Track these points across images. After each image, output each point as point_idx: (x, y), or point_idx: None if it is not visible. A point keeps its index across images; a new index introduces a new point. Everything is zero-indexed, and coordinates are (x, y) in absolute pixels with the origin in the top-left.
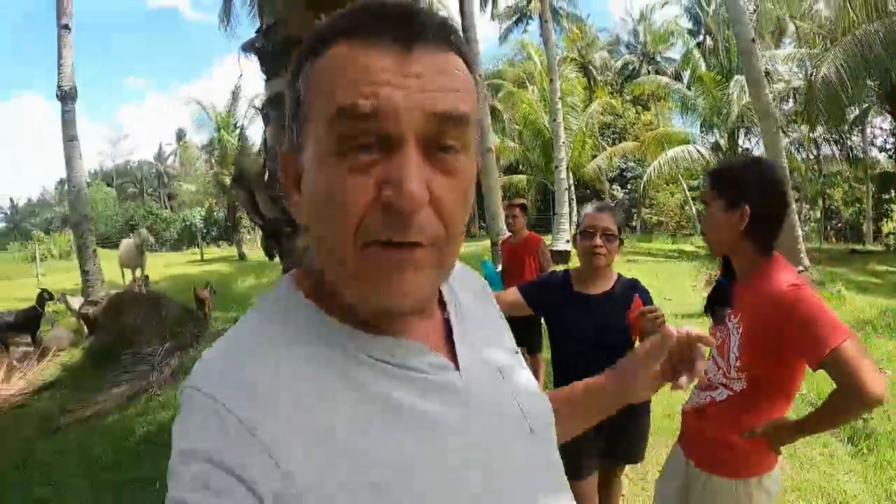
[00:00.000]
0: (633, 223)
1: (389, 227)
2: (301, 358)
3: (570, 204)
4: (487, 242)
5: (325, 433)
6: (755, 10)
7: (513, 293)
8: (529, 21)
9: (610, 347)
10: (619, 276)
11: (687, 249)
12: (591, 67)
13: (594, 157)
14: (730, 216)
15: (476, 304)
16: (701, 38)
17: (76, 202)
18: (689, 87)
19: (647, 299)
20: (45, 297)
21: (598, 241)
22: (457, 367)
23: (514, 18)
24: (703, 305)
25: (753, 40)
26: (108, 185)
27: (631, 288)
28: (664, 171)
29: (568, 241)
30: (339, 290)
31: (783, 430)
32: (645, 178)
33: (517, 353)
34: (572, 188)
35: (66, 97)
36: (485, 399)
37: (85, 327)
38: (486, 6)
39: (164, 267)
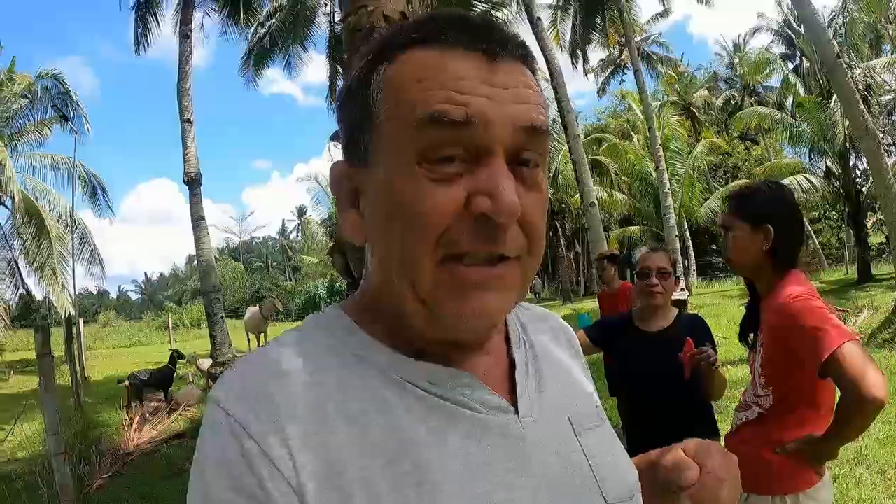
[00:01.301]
0: None
1: (480, 238)
2: (333, 377)
3: (683, 251)
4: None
5: (343, 461)
6: (843, 24)
7: (579, 334)
8: (626, 71)
9: (664, 384)
10: (681, 313)
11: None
12: (693, 108)
13: (706, 200)
14: (754, 237)
15: (554, 348)
16: (797, 60)
17: (205, 275)
18: (792, 115)
19: (703, 337)
20: (176, 356)
21: (654, 279)
22: (516, 412)
23: (609, 71)
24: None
25: (838, 56)
26: (236, 259)
27: (690, 325)
28: None
29: (684, 290)
30: (405, 310)
31: (813, 445)
32: None
33: (601, 413)
34: (687, 234)
35: (192, 182)
36: (548, 454)
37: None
38: (577, 63)
39: None
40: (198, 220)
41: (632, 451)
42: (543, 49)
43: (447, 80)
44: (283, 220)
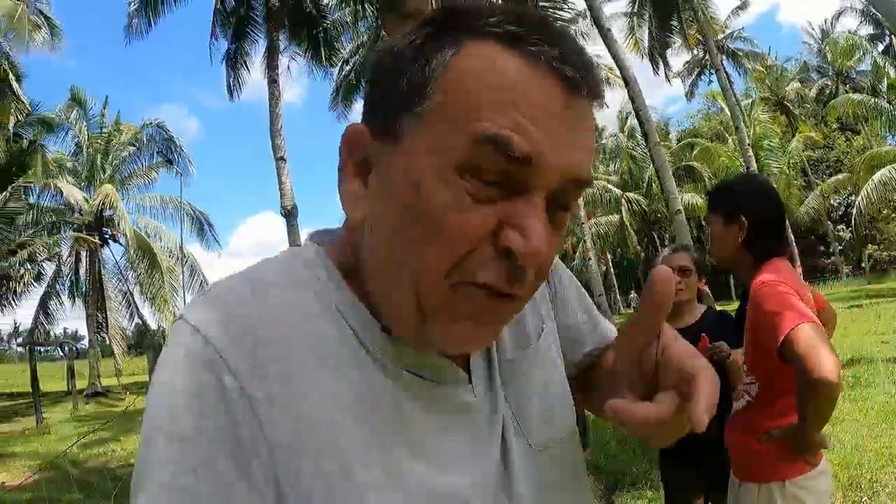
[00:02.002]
0: (863, 264)
1: (500, 272)
2: (318, 324)
3: None
4: None
5: (316, 416)
6: None
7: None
8: (711, 71)
9: None
10: (709, 310)
11: None
12: (786, 103)
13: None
14: (729, 230)
15: None
16: (886, 40)
17: None
18: (889, 101)
19: (727, 333)
20: None
21: (676, 277)
22: (470, 380)
23: (695, 73)
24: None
25: None
26: None
27: (716, 322)
28: (874, 198)
29: None
30: (397, 314)
31: (794, 432)
32: (855, 211)
33: (540, 337)
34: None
35: (289, 214)
36: (486, 412)
37: None
38: (658, 69)
39: None
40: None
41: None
42: (616, 58)
43: (522, 103)
44: None
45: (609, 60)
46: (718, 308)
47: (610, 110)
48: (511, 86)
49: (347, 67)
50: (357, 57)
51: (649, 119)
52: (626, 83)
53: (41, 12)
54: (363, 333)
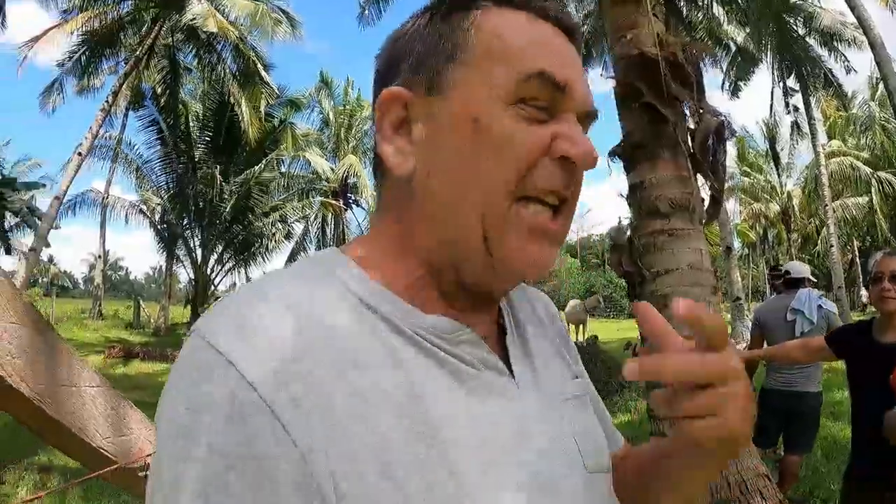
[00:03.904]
0: None
1: (557, 179)
2: (343, 321)
3: None
4: None
5: (355, 416)
6: None
7: (818, 340)
8: None
9: (890, 401)
10: None
11: None
12: None
13: None
14: None
15: (533, 318)
16: None
17: None
18: None
19: None
20: None
21: (887, 284)
22: (511, 376)
23: None
24: None
25: None
26: (573, 256)
27: None
28: None
29: None
30: (465, 246)
31: None
32: None
33: (582, 384)
34: None
35: None
36: (540, 420)
37: None
38: None
39: (616, 330)
40: None
41: (862, 467)
42: (859, 19)
43: (549, 46)
44: (619, 218)
45: (852, 18)
46: None
47: (860, 75)
48: (536, 34)
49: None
50: (585, 27)
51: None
52: (872, 46)
53: (280, 9)
54: (399, 318)
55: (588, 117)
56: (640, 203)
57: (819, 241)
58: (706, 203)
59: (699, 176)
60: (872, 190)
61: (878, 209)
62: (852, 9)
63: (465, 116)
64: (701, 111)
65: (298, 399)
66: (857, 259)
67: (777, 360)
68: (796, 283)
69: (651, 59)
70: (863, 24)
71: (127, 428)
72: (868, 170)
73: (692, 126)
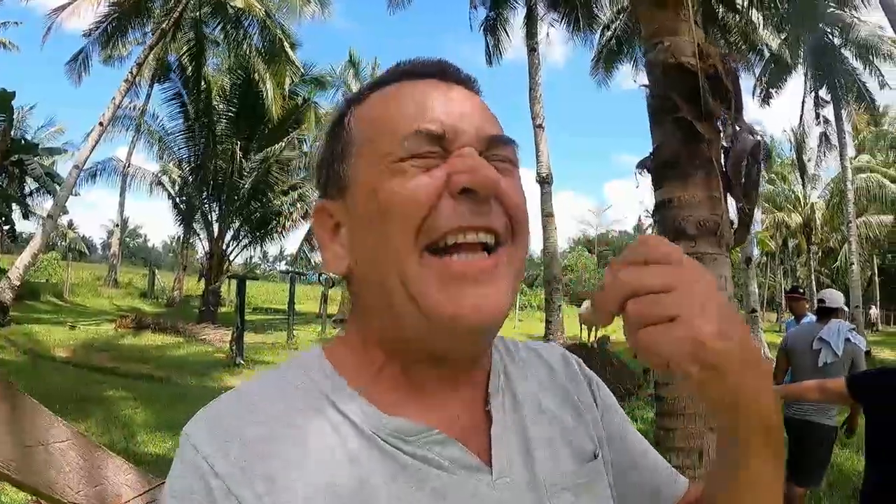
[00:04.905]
0: None
1: (462, 215)
2: (305, 420)
3: None
4: None
5: (302, 494)
6: None
7: (837, 384)
8: None
9: None
10: None
11: None
12: None
13: None
14: None
15: (541, 397)
16: None
17: (549, 265)
18: None
19: None
20: None
21: None
22: (489, 467)
23: None
24: None
25: None
26: (589, 251)
27: None
28: None
29: None
30: (399, 312)
31: None
32: None
33: (595, 466)
34: None
35: (543, 181)
36: None
37: None
38: None
39: None
40: (546, 215)
41: None
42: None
43: (428, 103)
44: (640, 216)
45: (890, 32)
46: None
47: (894, 92)
48: (409, 98)
49: (608, 33)
50: (618, 22)
51: None
52: None
53: None
54: (361, 420)
55: (496, 141)
56: (665, 221)
57: (839, 257)
58: (734, 226)
59: (729, 197)
60: None
61: None
62: (893, 23)
63: (366, 194)
64: (738, 129)
65: (251, 466)
66: (876, 277)
67: (792, 399)
68: (829, 313)
69: (690, 70)
70: None
71: (103, 477)
72: (895, 187)
73: (726, 144)
